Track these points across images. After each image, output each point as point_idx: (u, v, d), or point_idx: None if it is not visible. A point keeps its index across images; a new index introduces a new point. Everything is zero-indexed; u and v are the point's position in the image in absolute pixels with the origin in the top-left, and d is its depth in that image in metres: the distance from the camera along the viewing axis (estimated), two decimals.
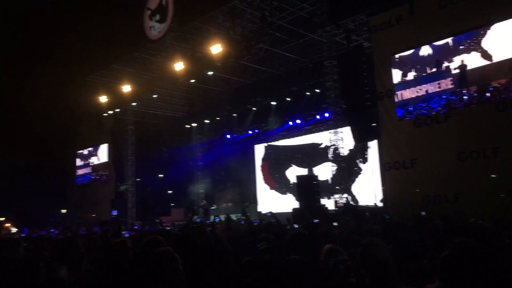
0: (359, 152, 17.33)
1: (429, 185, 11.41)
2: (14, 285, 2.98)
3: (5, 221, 26.09)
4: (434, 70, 11.78)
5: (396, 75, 12.51)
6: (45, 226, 20.25)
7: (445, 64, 11.52)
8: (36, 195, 24.87)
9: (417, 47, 12.10)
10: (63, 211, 27.84)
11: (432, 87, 11.73)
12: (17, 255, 3.83)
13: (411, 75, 12.23)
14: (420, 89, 11.95)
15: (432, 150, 11.51)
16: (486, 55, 10.80)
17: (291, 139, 22.44)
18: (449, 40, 11.50)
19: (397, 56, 12.50)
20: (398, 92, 12.41)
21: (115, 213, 19.53)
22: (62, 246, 3.94)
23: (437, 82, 11.62)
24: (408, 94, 12.21)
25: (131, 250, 3.85)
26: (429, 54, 11.88)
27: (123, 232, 8.47)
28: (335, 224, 9.10)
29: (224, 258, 4.02)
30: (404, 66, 12.38)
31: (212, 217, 17.77)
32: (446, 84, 11.46)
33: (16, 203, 24.88)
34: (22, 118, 21.77)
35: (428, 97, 11.77)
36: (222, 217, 14.47)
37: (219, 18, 15.28)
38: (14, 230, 19.55)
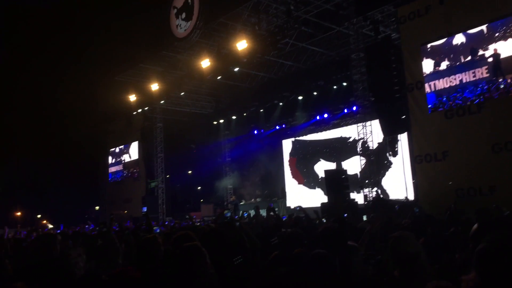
0: (389, 145, 17.04)
1: (462, 177, 11.12)
2: (52, 280, 3.07)
3: (42, 218, 27.08)
4: (468, 58, 11.40)
5: (429, 65, 12.18)
6: (79, 223, 20.90)
7: (480, 52, 11.14)
8: (71, 193, 25.70)
9: (448, 36, 11.77)
10: (97, 208, 28.66)
11: (466, 76, 11.37)
12: (54, 251, 3.96)
13: (444, 65, 11.88)
14: (454, 79, 11.60)
15: (465, 142, 11.21)
16: None
17: (318, 133, 22.26)
18: (483, 27, 11.12)
19: (429, 45, 12.17)
20: (431, 82, 12.09)
21: (145, 209, 19.94)
22: (99, 241, 4.05)
23: (472, 71, 11.26)
24: (441, 84, 11.88)
25: (162, 246, 3.93)
26: (462, 43, 11.52)
27: (154, 228, 8.64)
28: (364, 218, 9.01)
29: (252, 253, 4.04)
30: (437, 55, 12.03)
31: (241, 212, 17.90)
32: (482, 72, 11.08)
33: (52, 201, 25.78)
34: (55, 118, 22.49)
35: (462, 86, 11.43)
36: (251, 212, 14.56)
37: (244, 14, 15.30)
38: (50, 226, 20.27)
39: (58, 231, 12.37)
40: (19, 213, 28.31)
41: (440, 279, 2.20)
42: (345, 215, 8.74)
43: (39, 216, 27.88)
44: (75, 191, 25.93)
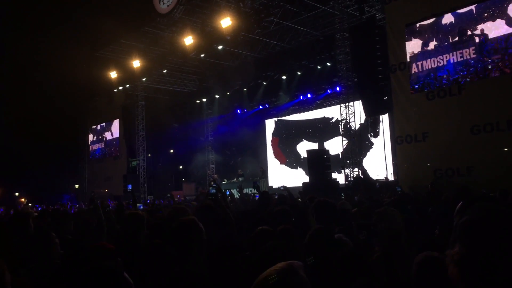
0: (371, 126, 17.24)
1: (441, 158, 11.35)
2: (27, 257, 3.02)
3: (20, 196, 26.69)
4: (456, 39, 11.46)
5: (417, 45, 12.21)
6: (58, 201, 20.69)
7: (468, 32, 11.18)
8: (50, 171, 25.30)
9: (432, 17, 11.80)
10: (76, 186, 28.34)
11: (454, 57, 11.44)
12: (28, 229, 3.91)
13: (432, 45, 11.93)
14: (442, 59, 11.67)
15: (444, 123, 11.39)
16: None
17: (301, 113, 22.34)
18: (472, 7, 11.13)
19: (418, 25, 12.17)
20: (418, 62, 12.14)
21: (130, 187, 19.83)
22: (87, 218, 4.03)
23: (460, 51, 11.32)
24: (429, 64, 11.94)
25: (146, 222, 3.94)
26: (451, 23, 11.52)
27: (138, 205, 8.63)
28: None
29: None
30: (425, 35, 12.04)
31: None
32: (469, 53, 11.15)
33: (30, 179, 25.37)
34: (34, 94, 21.92)
35: (449, 67, 11.50)
36: (234, 192, 14.63)
37: None
38: (29, 204, 19.99)
39: (40, 208, 12.23)
40: None
41: (427, 251, 2.27)
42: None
43: (17, 194, 27.45)
44: (55, 169, 25.54)
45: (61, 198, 23.92)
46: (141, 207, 7.68)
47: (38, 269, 2.87)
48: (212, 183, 9.35)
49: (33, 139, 23.36)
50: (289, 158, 22.72)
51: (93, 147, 26.83)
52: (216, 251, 2.91)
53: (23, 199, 25.25)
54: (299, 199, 8.00)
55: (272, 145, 23.84)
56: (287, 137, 23.05)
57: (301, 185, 14.58)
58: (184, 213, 3.41)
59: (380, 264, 2.33)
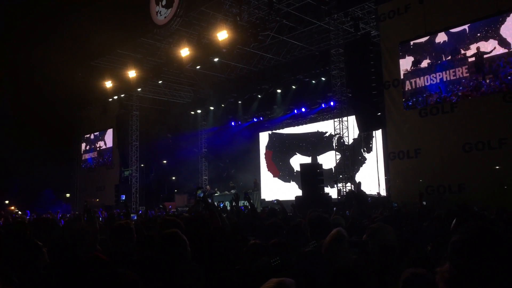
0: (364, 141, 17.31)
1: (433, 175, 11.42)
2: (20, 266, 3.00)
3: (10, 204, 26.37)
4: (449, 57, 11.62)
5: (410, 63, 12.36)
6: (49, 209, 20.44)
7: (462, 51, 11.36)
8: (41, 179, 25.06)
9: (426, 35, 11.98)
10: (67, 195, 28.06)
11: (447, 75, 11.59)
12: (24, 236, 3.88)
13: (425, 63, 12.08)
14: (435, 77, 11.81)
15: (437, 140, 11.50)
16: (504, 43, 10.66)
17: (295, 127, 22.41)
18: (465, 27, 11.33)
19: (412, 43, 12.34)
20: (412, 79, 12.28)
21: (123, 197, 19.67)
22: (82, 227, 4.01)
23: (452, 70, 11.48)
24: (422, 81, 12.08)
25: (135, 233, 3.91)
26: (444, 41, 11.70)
27: (132, 215, 8.57)
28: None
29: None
30: (419, 53, 12.21)
31: (216, 204, 17.86)
32: (462, 72, 11.30)
33: (21, 187, 25.10)
34: (28, 101, 21.82)
35: (442, 85, 11.64)
36: (227, 204, 14.57)
37: (226, 4, 15.17)
38: (19, 212, 19.75)
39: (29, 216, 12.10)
40: None
41: (416, 268, 2.28)
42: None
43: (7, 202, 27.12)
44: (46, 178, 25.30)
45: (52, 207, 23.64)
46: (135, 217, 7.61)
47: (24, 278, 2.85)
48: (199, 190, 9.30)
49: (24, 146, 23.18)
50: (282, 172, 22.72)
51: (86, 156, 26.66)
52: (208, 263, 2.90)
53: (13, 207, 24.94)
54: (290, 214, 8.00)
55: (265, 158, 23.84)
56: (280, 150, 23.07)
57: (293, 198, 14.57)
58: (175, 225, 3.40)
59: (372, 281, 2.33)
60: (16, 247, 3.29)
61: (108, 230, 5.53)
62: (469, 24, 11.24)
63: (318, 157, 20.27)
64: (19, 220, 5.48)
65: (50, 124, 23.11)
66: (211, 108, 24.00)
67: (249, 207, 7.78)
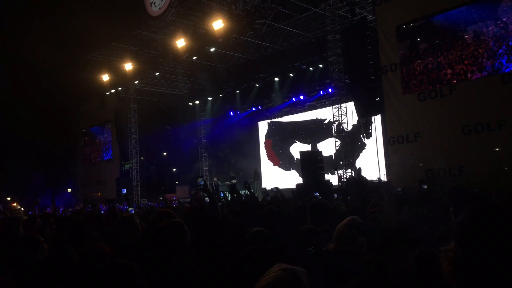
0: (363, 127, 17.27)
1: (433, 158, 11.43)
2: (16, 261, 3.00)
3: (12, 201, 26.42)
4: (446, 40, 11.53)
5: (408, 46, 12.26)
6: (50, 205, 20.46)
7: (459, 34, 11.27)
8: (42, 175, 25.10)
9: (423, 18, 11.88)
10: (69, 190, 28.12)
11: (444, 58, 11.49)
12: (17, 233, 3.89)
13: (422, 46, 11.99)
14: (432, 60, 11.73)
15: (436, 124, 11.49)
16: (501, 23, 10.56)
17: (294, 115, 22.38)
18: (463, 9, 11.21)
19: (408, 26, 12.24)
20: (409, 63, 12.19)
21: (124, 191, 19.72)
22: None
23: (450, 52, 11.39)
24: (419, 65, 12.00)
25: (139, 226, 3.93)
26: (441, 24, 11.61)
27: (130, 209, 8.60)
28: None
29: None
30: (416, 36, 12.11)
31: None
32: (459, 54, 11.23)
33: (22, 183, 25.13)
34: (27, 97, 21.74)
35: (440, 67, 11.56)
36: (228, 194, 14.60)
37: None
38: (22, 209, 19.80)
39: (30, 213, 12.13)
40: None
41: (423, 247, 2.30)
42: (316, 194, 8.83)
43: (8, 198, 27.18)
44: (47, 173, 25.34)
45: (43, 194, 23.59)
46: (132, 211, 7.64)
47: (25, 273, 2.87)
48: (199, 179, 9.29)
49: (24, 142, 23.16)
50: (282, 160, 22.74)
51: (86, 150, 26.66)
52: (206, 252, 2.92)
53: (15, 204, 24.99)
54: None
55: (265, 147, 23.85)
56: (280, 139, 23.07)
57: (294, 186, 14.61)
58: (168, 217, 3.41)
59: (372, 264, 2.34)
60: (8, 244, 3.31)
61: (110, 222, 5.56)
62: (466, 6, 11.14)
63: (317, 144, 20.28)
64: (9, 217, 5.49)
65: (49, 119, 23.06)
66: (209, 98, 23.93)
67: (250, 195, 7.80)
